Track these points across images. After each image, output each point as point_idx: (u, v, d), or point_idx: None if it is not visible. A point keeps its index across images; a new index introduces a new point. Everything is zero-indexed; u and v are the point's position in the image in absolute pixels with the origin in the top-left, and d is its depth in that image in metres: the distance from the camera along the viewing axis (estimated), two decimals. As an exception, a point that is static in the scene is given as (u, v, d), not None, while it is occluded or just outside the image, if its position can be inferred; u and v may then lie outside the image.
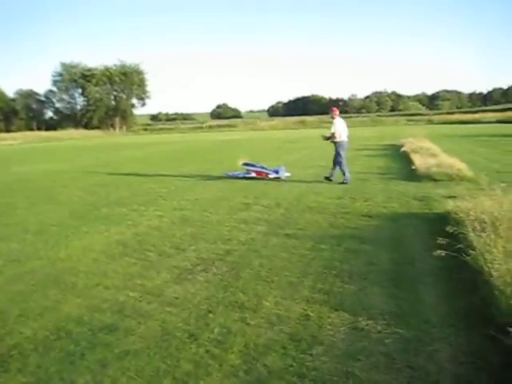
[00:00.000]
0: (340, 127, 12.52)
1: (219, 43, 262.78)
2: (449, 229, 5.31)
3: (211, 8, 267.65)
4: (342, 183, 11.94)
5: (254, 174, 13.59)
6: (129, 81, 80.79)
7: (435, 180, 11.52)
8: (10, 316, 4.55)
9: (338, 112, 12.91)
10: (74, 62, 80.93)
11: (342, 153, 12.41)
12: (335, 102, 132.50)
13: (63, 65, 79.74)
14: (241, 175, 13.79)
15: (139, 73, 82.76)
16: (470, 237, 4.99)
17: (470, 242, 4.93)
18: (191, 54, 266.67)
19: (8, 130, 69.96)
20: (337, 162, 12.46)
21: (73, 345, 3.92)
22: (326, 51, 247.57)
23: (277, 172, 13.31)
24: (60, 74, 79.86)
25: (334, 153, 12.59)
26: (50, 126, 75.54)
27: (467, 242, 5.04)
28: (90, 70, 79.54)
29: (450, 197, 9.12)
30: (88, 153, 31.25)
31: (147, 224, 8.31)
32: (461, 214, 6.04)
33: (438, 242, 4.99)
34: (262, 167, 13.81)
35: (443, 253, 4.70)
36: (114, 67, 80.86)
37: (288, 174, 13.40)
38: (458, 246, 4.96)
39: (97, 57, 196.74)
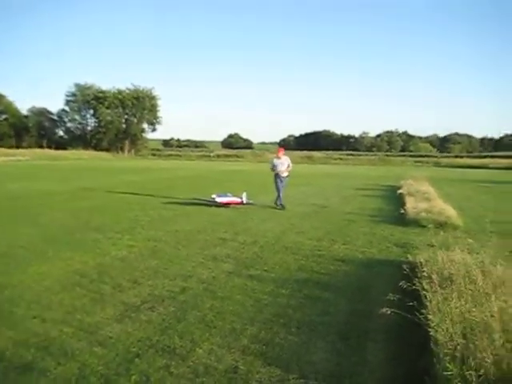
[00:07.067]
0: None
1: (235, 75, 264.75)
2: (402, 284, 5.04)
3: (228, 41, 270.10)
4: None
5: (219, 201, 14.41)
6: (141, 105, 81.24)
7: (422, 226, 11.24)
8: None
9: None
10: (87, 83, 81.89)
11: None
12: (346, 139, 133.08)
13: (77, 85, 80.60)
14: (210, 201, 14.56)
15: (151, 98, 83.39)
16: (423, 293, 4.74)
17: (425, 299, 4.67)
18: (208, 83, 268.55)
19: (18, 146, 70.43)
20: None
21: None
22: (340, 88, 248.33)
23: (241, 198, 14.76)
24: (73, 95, 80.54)
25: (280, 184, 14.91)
26: (60, 144, 75.80)
27: (422, 298, 4.78)
28: (103, 92, 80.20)
29: (431, 245, 8.88)
30: (90, 174, 31.14)
31: (115, 254, 8.10)
32: (424, 267, 5.77)
33: (388, 298, 4.75)
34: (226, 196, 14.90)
35: (389, 311, 4.43)
36: (126, 91, 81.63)
37: (251, 201, 15.01)
38: (410, 303, 4.69)
39: (109, 78, 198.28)
